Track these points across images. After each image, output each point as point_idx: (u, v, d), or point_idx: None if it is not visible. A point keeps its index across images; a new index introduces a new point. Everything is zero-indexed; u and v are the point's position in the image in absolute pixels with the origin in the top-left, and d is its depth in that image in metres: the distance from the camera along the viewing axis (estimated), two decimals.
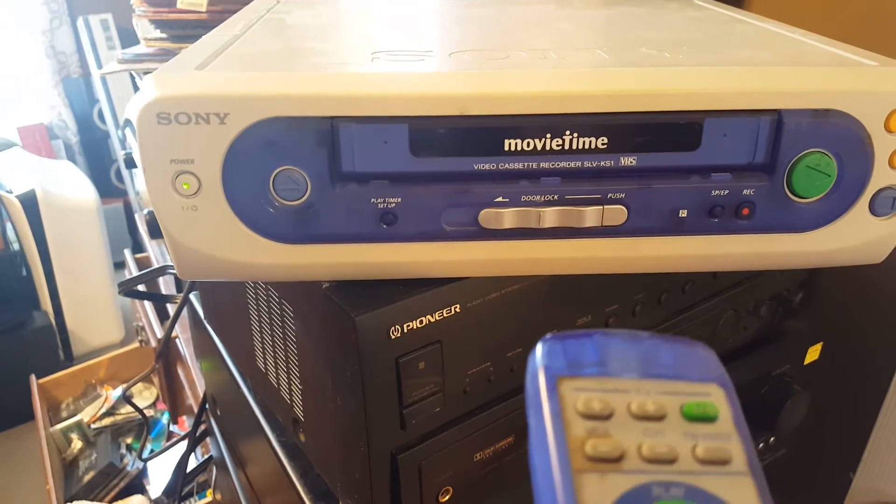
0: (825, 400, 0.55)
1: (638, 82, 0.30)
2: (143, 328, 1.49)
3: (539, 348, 0.21)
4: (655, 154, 0.31)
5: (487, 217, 0.32)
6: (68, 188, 1.88)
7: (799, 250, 0.34)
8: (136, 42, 1.14)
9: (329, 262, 0.32)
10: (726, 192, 0.32)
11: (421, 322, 0.34)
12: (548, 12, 0.49)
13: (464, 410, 0.38)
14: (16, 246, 1.81)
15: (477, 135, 0.30)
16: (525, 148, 0.30)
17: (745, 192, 0.32)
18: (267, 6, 0.52)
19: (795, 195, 0.32)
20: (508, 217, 0.31)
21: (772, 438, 0.52)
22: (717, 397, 0.20)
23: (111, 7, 2.33)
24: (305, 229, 0.31)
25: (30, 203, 1.72)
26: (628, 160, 0.31)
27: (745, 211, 0.32)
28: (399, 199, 0.31)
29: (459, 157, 0.31)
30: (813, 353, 0.54)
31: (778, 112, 0.31)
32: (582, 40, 0.39)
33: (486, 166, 0.31)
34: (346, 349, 0.33)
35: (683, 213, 0.32)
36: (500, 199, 0.31)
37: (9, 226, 1.80)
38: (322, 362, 0.37)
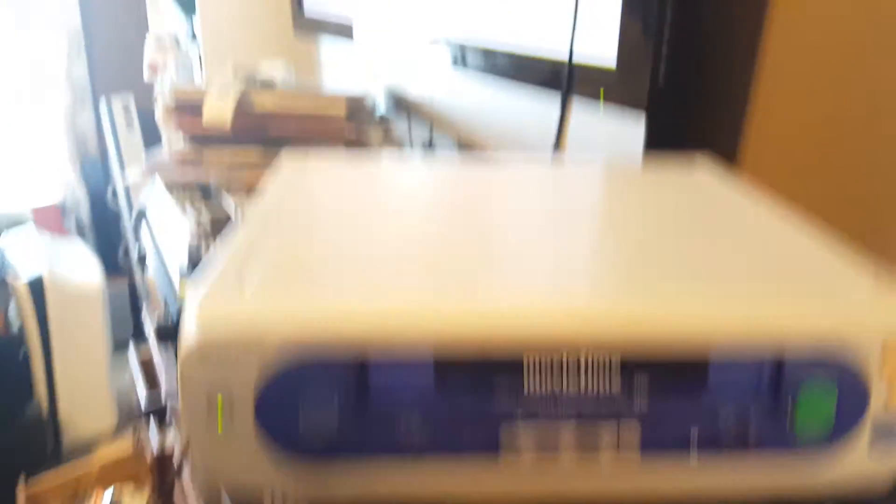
0: None
1: (645, 327, 0.33)
2: (140, 428, 1.47)
3: None
4: (665, 396, 0.33)
5: (504, 442, 0.33)
6: (75, 271, 1.90)
7: (800, 482, 0.35)
8: (153, 121, 1.19)
9: (353, 491, 0.33)
10: (730, 423, 0.34)
11: None
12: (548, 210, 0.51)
13: None
14: (16, 329, 1.81)
15: (498, 376, 0.32)
16: (541, 390, 0.32)
17: (746, 424, 0.34)
18: (291, 182, 0.54)
19: (796, 426, 0.34)
20: (524, 444, 0.33)
21: None
22: None
23: (132, 86, 2.40)
24: (331, 457, 0.33)
25: (36, 289, 1.73)
26: (640, 402, 0.33)
27: (747, 441, 0.34)
28: (421, 433, 0.33)
29: (480, 394, 0.32)
30: None
31: (779, 347, 0.33)
32: (578, 254, 0.41)
33: (505, 402, 0.33)
34: None
35: (689, 445, 0.34)
36: (513, 429, 0.33)
37: (12, 306, 1.81)
38: None
